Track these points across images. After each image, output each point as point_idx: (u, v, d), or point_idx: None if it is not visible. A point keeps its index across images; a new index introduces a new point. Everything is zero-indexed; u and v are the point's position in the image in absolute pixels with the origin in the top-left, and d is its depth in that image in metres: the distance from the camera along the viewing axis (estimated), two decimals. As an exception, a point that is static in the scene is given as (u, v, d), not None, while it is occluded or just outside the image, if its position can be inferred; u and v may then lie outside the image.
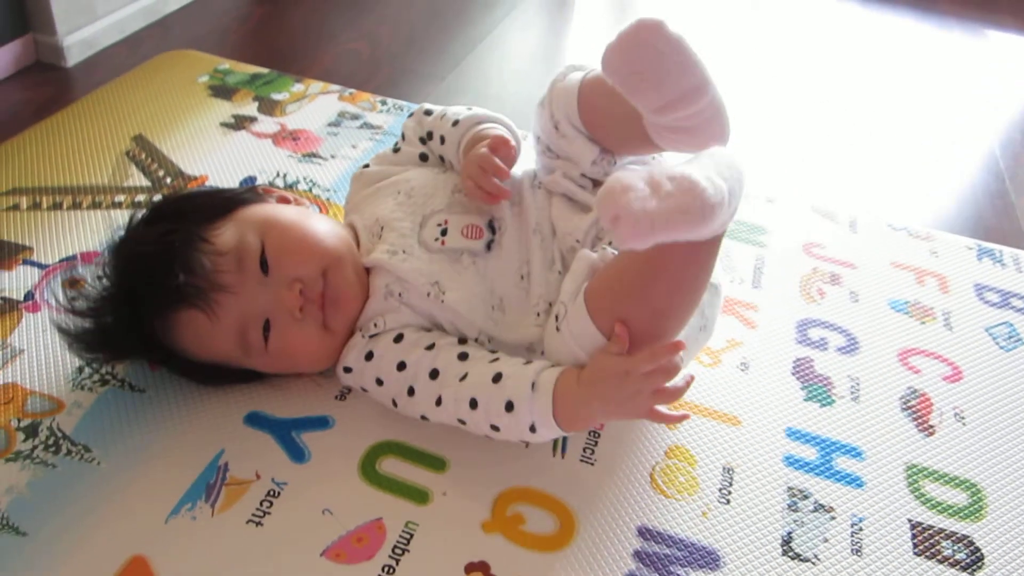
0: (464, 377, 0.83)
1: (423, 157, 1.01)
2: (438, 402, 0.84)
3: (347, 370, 0.90)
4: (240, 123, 1.40)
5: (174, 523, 0.81)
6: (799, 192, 1.39)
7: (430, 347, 0.86)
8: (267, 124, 1.41)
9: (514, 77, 1.72)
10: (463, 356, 0.85)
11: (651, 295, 0.76)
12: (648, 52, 0.70)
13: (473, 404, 0.81)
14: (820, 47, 1.97)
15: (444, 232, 0.90)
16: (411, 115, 1.03)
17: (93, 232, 1.15)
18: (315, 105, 1.47)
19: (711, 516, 0.85)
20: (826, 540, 0.84)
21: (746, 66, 1.85)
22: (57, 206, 1.19)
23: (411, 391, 0.86)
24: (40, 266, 1.09)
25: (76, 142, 1.34)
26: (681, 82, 0.72)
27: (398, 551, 0.80)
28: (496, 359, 0.83)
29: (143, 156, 1.31)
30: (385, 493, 0.85)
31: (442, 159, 1.00)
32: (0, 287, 1.05)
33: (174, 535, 0.80)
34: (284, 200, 0.97)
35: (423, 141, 1.00)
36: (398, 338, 0.87)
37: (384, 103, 1.49)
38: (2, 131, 1.38)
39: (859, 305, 1.14)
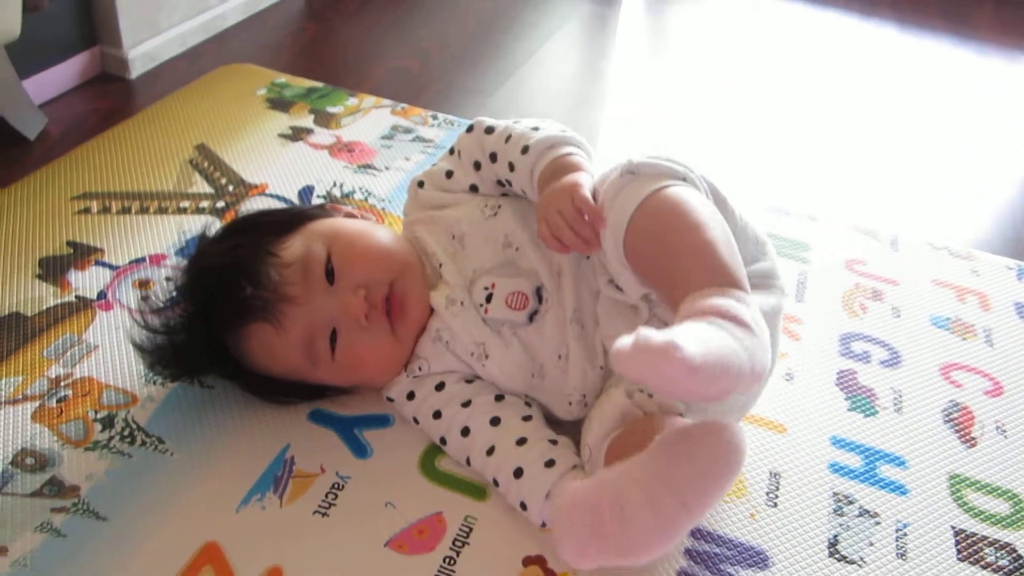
0: (491, 452, 0.86)
1: (473, 188, 0.96)
2: (468, 462, 0.89)
3: (389, 399, 0.94)
4: (297, 134, 1.46)
5: (244, 512, 0.85)
6: (841, 210, 1.42)
7: (466, 404, 0.89)
8: (323, 136, 1.46)
9: (560, 94, 1.77)
10: (495, 421, 0.87)
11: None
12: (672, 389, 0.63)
13: (495, 483, 0.86)
14: (864, 72, 2.00)
15: (489, 299, 0.89)
16: (470, 129, 0.95)
17: (161, 236, 1.20)
18: (369, 119, 1.52)
19: (759, 518, 0.88)
20: (871, 544, 0.87)
21: (793, 88, 1.89)
22: (126, 210, 1.25)
23: (443, 441, 0.90)
24: (111, 267, 1.14)
25: (141, 150, 1.39)
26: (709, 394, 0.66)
27: (458, 543, 0.83)
28: (524, 438, 0.85)
29: (206, 164, 1.36)
30: (444, 489, 0.88)
31: (500, 184, 0.94)
32: (75, 286, 1.10)
33: (245, 523, 0.84)
34: (351, 215, 1.00)
35: (477, 167, 0.94)
36: (439, 386, 0.91)
37: (435, 117, 1.54)
38: (71, 138, 1.44)
39: (901, 320, 1.17)
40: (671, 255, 0.75)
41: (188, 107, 1.52)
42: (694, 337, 0.63)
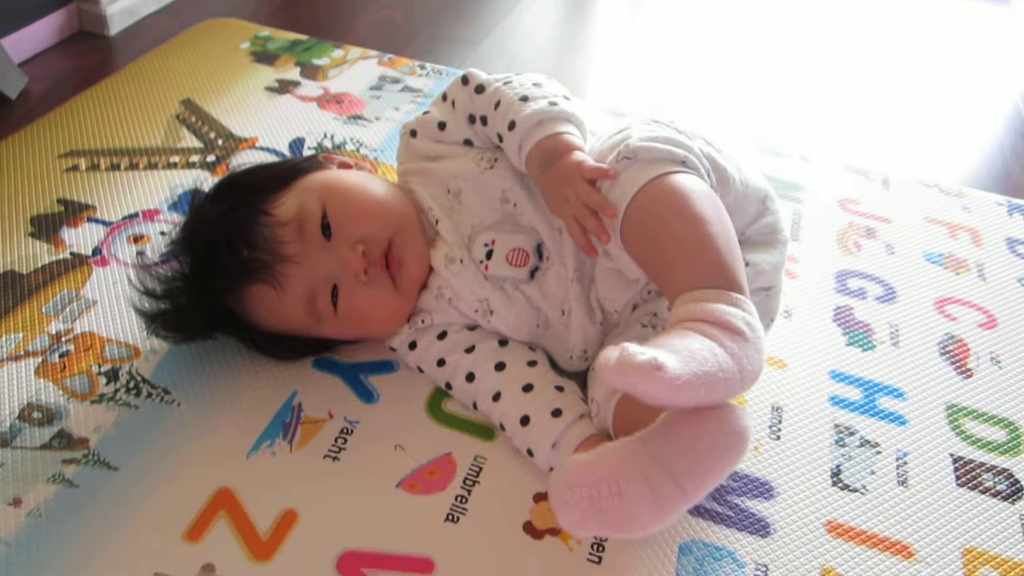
0: (497, 397, 0.86)
1: (467, 143, 0.93)
2: (474, 406, 0.89)
3: (391, 348, 0.94)
4: (284, 87, 1.44)
5: (255, 458, 0.85)
6: (832, 151, 1.42)
7: (470, 349, 0.89)
8: (311, 88, 1.44)
9: (547, 41, 1.75)
10: (500, 367, 0.87)
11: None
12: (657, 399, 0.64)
13: (502, 427, 0.87)
14: (853, 11, 1.99)
15: (489, 255, 0.89)
16: (464, 81, 0.92)
17: (153, 191, 1.19)
18: (355, 70, 1.51)
19: (763, 451, 0.89)
20: (873, 472, 0.88)
21: (783, 28, 1.88)
22: (115, 167, 1.23)
23: (448, 386, 0.91)
24: (104, 223, 1.13)
25: (126, 107, 1.37)
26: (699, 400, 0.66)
27: (469, 482, 0.84)
28: (529, 385, 0.85)
29: (193, 119, 1.35)
30: (452, 430, 0.89)
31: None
32: (68, 243, 1.09)
33: (256, 469, 0.84)
34: (345, 165, 0.97)
35: (472, 120, 0.91)
36: (442, 335, 0.91)
37: (423, 67, 1.52)
38: (53, 97, 1.41)
39: (895, 257, 1.18)
40: (667, 250, 0.74)
41: (171, 63, 1.50)
42: (679, 353, 0.63)
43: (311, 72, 1.49)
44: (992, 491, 0.88)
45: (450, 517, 0.81)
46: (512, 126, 0.84)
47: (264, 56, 1.53)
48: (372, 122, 1.36)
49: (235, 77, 1.46)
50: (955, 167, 1.45)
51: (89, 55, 1.55)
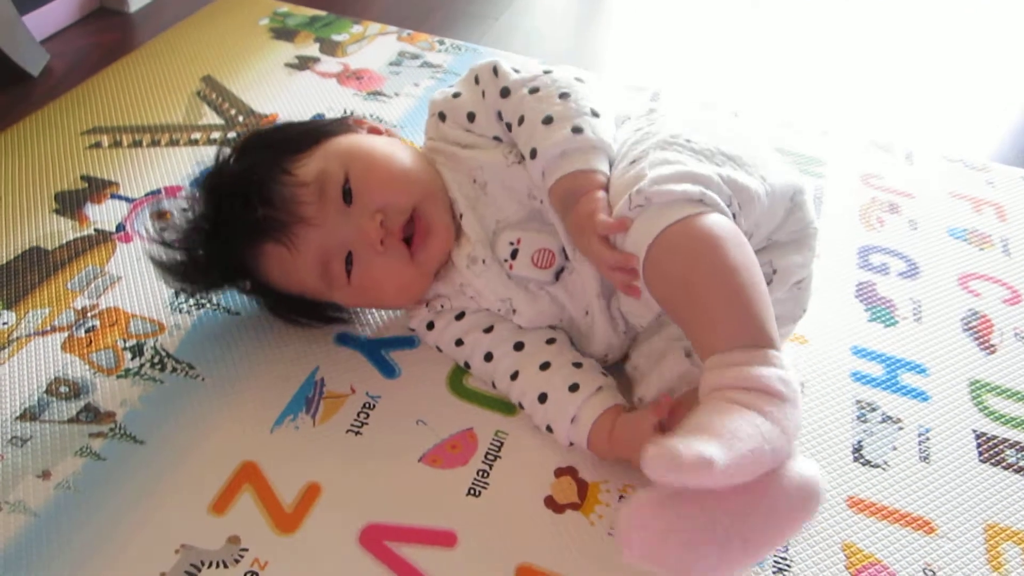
0: (515, 376, 0.86)
1: (496, 139, 0.90)
2: (492, 385, 0.90)
3: (410, 328, 0.95)
4: (304, 63, 1.44)
5: (279, 433, 0.86)
6: (855, 125, 1.41)
7: (488, 329, 0.89)
8: (330, 64, 1.44)
9: (566, 16, 1.74)
10: (519, 346, 0.88)
11: None
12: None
13: (520, 405, 0.87)
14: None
15: (514, 255, 0.87)
16: (494, 71, 0.88)
17: (174, 167, 1.19)
18: (375, 46, 1.50)
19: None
20: (895, 448, 0.88)
21: (803, 1, 1.86)
22: (137, 144, 1.24)
23: (467, 365, 0.91)
24: (128, 200, 1.13)
25: (147, 84, 1.38)
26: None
27: (490, 457, 0.85)
28: (547, 363, 0.85)
29: (214, 96, 1.35)
30: (473, 405, 0.90)
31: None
32: (92, 220, 1.10)
33: (280, 443, 0.85)
34: (375, 131, 0.95)
35: (500, 118, 0.88)
36: (459, 315, 0.91)
37: (442, 43, 1.52)
38: (75, 74, 1.42)
39: (918, 232, 1.17)
40: (690, 306, 0.70)
41: (191, 39, 1.50)
42: (722, 438, 0.60)
43: (330, 48, 1.49)
44: (1015, 467, 0.88)
45: (472, 491, 0.81)
46: (534, 154, 0.82)
47: (283, 32, 1.53)
48: (392, 98, 1.36)
49: (255, 54, 1.46)
50: (980, 142, 1.43)
51: (109, 32, 1.56)
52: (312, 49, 1.48)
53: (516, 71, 0.87)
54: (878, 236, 1.15)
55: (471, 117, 0.90)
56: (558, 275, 0.88)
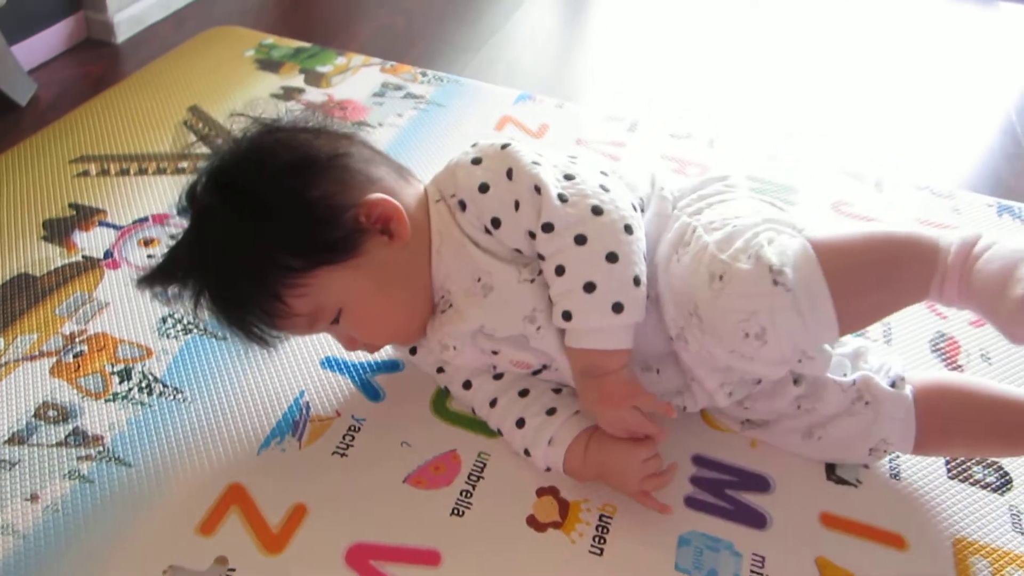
0: (494, 403, 0.88)
1: (518, 251, 0.82)
2: (472, 411, 0.92)
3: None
4: (289, 94, 1.47)
5: (266, 455, 0.88)
6: (826, 155, 1.45)
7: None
8: (315, 95, 1.47)
9: (547, 46, 1.78)
10: (498, 376, 0.89)
11: None
12: None
13: (499, 431, 0.89)
14: (846, 18, 2.03)
15: (495, 352, 0.85)
16: (536, 189, 0.78)
17: (162, 195, 1.21)
18: (358, 77, 1.54)
19: (760, 447, 0.92)
20: (866, 467, 0.91)
21: (776, 34, 1.91)
22: (124, 172, 1.26)
23: (446, 391, 0.94)
24: (115, 227, 1.15)
25: (134, 113, 1.40)
26: None
27: (473, 477, 0.86)
28: (526, 390, 0.87)
29: (200, 125, 1.37)
30: (457, 427, 0.91)
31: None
32: (80, 247, 1.12)
33: (267, 465, 0.87)
34: (385, 220, 0.82)
35: (531, 236, 0.79)
36: None
37: (424, 74, 1.55)
38: (62, 104, 1.44)
39: (888, 258, 1.20)
40: None
41: (178, 70, 1.52)
42: None
43: (315, 79, 1.52)
44: (982, 483, 0.90)
45: (455, 511, 0.83)
46: (568, 317, 0.77)
47: (269, 63, 1.56)
48: (376, 128, 1.39)
49: (241, 84, 1.49)
50: (948, 172, 1.48)
51: (97, 63, 1.58)
52: (297, 80, 1.51)
53: (561, 190, 0.78)
54: (849, 261, 1.19)
55: (496, 223, 0.81)
56: (536, 373, 0.88)
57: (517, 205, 0.79)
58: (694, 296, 0.76)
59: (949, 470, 0.91)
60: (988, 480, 0.91)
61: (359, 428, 0.91)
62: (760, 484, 0.88)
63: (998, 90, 1.77)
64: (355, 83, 1.51)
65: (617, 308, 0.76)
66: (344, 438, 0.90)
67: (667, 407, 0.80)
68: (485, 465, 0.88)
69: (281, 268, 0.78)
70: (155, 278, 0.81)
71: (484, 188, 0.81)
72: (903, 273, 0.76)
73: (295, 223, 0.78)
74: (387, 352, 0.99)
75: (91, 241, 1.13)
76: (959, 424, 0.85)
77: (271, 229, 0.78)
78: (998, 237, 0.74)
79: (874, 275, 0.75)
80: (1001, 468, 0.92)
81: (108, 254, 1.11)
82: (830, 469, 0.90)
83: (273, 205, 0.78)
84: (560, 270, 0.77)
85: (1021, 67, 1.88)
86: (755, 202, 0.84)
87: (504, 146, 0.83)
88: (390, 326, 0.86)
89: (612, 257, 0.77)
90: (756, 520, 0.85)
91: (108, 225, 1.16)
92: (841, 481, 0.89)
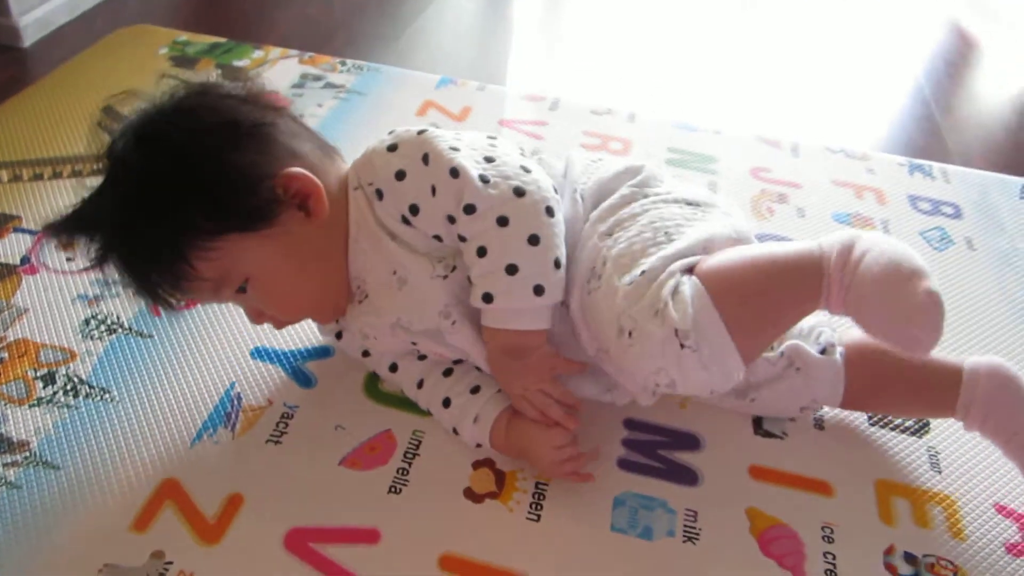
0: (420, 385, 0.89)
1: (437, 238, 0.82)
2: (401, 392, 0.92)
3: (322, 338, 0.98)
4: (206, 90, 1.44)
5: (199, 448, 0.87)
6: (744, 123, 1.48)
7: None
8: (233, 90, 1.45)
9: (468, 33, 1.79)
10: (422, 357, 0.90)
11: None
12: None
13: (427, 411, 0.90)
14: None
15: (414, 343, 0.87)
16: (453, 172, 0.77)
17: (77, 198, 1.18)
18: (277, 69, 1.52)
19: (689, 407, 0.94)
20: (792, 420, 0.94)
21: (690, 5, 1.94)
22: (38, 177, 1.23)
23: (376, 375, 0.94)
24: (31, 232, 1.13)
25: (46, 117, 1.36)
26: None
27: (409, 455, 0.87)
28: (450, 370, 0.88)
29: (115, 126, 1.34)
30: (391, 408, 0.92)
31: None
32: (-4, 253, 1.09)
33: (200, 458, 0.86)
34: (304, 196, 0.81)
35: (450, 221, 0.79)
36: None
37: (344, 63, 1.54)
38: (-30, 111, 1.40)
39: (806, 220, 1.24)
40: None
41: (90, 71, 1.49)
42: None
43: (232, 74, 1.50)
44: (901, 427, 0.94)
45: (393, 489, 0.84)
46: (489, 299, 0.78)
47: (184, 60, 1.53)
48: (296, 119, 1.38)
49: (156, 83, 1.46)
50: (861, 134, 1.53)
51: (5, 68, 1.54)
52: (214, 76, 1.49)
53: (482, 171, 0.79)
54: (769, 225, 1.22)
55: (414, 210, 0.80)
56: (455, 362, 0.89)
57: (434, 190, 0.79)
58: (605, 341, 0.79)
59: (870, 417, 0.95)
60: (906, 424, 0.94)
61: (292, 415, 0.91)
62: (690, 443, 0.90)
63: (907, 56, 1.83)
64: (274, 76, 1.50)
65: (538, 290, 0.78)
66: (278, 426, 0.89)
67: (581, 366, 0.83)
68: (420, 443, 0.88)
69: (191, 229, 0.76)
70: (63, 227, 0.80)
71: (401, 175, 0.80)
72: (794, 294, 0.78)
73: (211, 185, 0.77)
74: (317, 339, 0.99)
75: (6, 248, 1.10)
76: (886, 382, 0.88)
77: (185, 188, 0.76)
78: (869, 242, 0.75)
79: (768, 302, 0.78)
80: (918, 411, 0.96)
81: (25, 260, 1.08)
82: (757, 423, 0.93)
83: (190, 164, 0.77)
84: (482, 251, 0.78)
85: (928, 34, 1.94)
86: (668, 208, 0.84)
87: (420, 132, 0.82)
88: (297, 302, 0.86)
89: (534, 240, 0.78)
90: (688, 477, 0.87)
91: (23, 231, 1.13)
92: (768, 434, 0.92)
